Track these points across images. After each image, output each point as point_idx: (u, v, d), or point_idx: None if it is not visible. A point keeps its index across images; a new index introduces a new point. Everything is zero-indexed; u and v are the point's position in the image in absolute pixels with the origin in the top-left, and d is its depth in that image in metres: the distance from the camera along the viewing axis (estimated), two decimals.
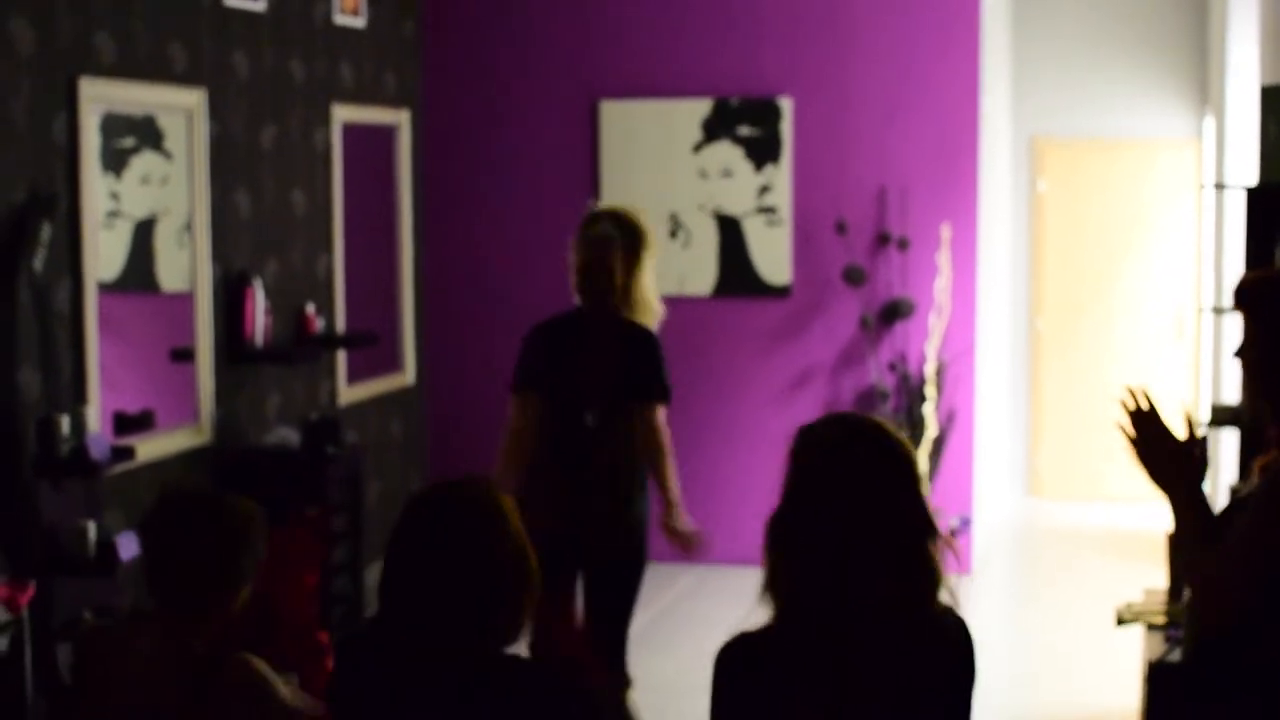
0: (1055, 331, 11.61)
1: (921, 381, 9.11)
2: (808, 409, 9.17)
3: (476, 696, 2.94)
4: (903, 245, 9.17)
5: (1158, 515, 9.82)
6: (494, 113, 9.61)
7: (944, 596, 2.95)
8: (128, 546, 6.06)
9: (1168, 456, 3.29)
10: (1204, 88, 11.09)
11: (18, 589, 5.62)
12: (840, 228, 9.19)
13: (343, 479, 7.70)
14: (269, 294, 7.77)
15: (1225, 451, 8.71)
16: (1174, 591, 5.28)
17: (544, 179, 9.57)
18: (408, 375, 9.41)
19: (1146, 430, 3.30)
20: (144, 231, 7.00)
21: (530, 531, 3.05)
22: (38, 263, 6.07)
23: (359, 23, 8.74)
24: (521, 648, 3.14)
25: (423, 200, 9.57)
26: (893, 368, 9.22)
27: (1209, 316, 10.04)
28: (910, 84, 9.18)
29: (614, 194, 9.27)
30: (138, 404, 6.87)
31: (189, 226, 7.23)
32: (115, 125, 6.73)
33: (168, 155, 7.12)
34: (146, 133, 6.99)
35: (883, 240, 9.22)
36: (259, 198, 7.80)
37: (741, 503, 8.99)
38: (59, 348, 6.27)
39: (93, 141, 6.50)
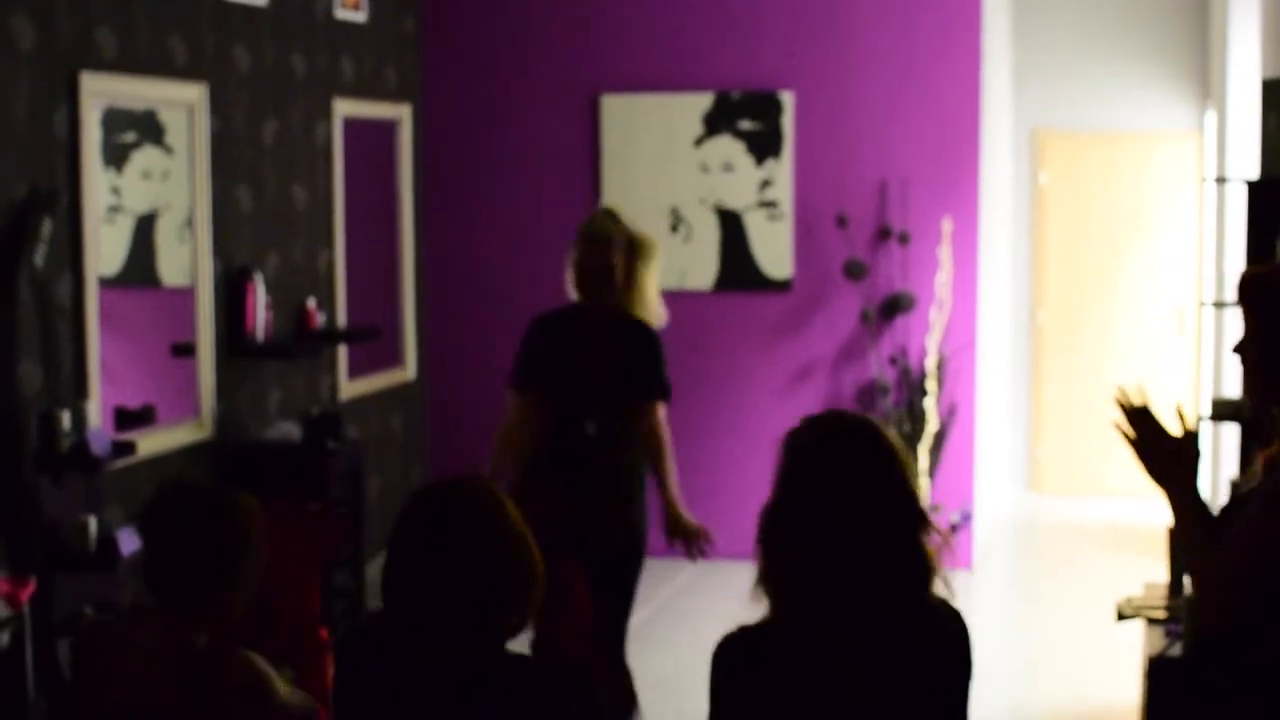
0: (1056, 325, 11.60)
1: (922, 376, 9.11)
2: (809, 403, 9.17)
3: (476, 696, 2.94)
4: (904, 239, 9.16)
5: (1158, 510, 9.83)
6: (495, 107, 9.61)
7: (940, 590, 2.96)
8: (128, 542, 6.06)
9: (1164, 454, 3.29)
10: (1205, 81, 11.08)
11: (18, 584, 5.63)
12: (841, 221, 9.19)
13: (344, 474, 7.71)
14: (270, 289, 7.77)
15: (1227, 446, 8.71)
16: (1174, 586, 5.28)
17: (545, 173, 9.57)
18: (409, 370, 9.41)
19: (1142, 428, 3.30)
20: (145, 226, 7.00)
21: (532, 529, 3.05)
22: (39, 258, 6.07)
23: (360, 17, 8.73)
24: (521, 646, 3.13)
25: (423, 194, 9.57)
26: (893, 362, 9.22)
27: (1210, 310, 10.04)
28: (911, 77, 9.18)
29: (615, 188, 9.28)
30: (139, 399, 6.87)
31: (190, 221, 7.23)
32: (116, 120, 6.72)
33: (169, 150, 7.12)
34: (147, 127, 6.99)
35: (884, 234, 9.22)
36: (260, 192, 7.80)
37: (742, 497, 8.98)
38: (60, 343, 6.27)
39: (94, 136, 6.50)
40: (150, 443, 6.78)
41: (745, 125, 9.32)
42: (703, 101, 9.35)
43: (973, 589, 9.00)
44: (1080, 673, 7.56)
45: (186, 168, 7.19)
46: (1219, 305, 8.59)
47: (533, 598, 2.99)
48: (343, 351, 8.60)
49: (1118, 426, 3.34)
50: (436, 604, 2.93)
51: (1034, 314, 11.62)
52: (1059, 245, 11.56)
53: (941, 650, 2.92)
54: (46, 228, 6.09)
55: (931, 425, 9.03)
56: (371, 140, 8.98)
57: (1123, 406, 3.32)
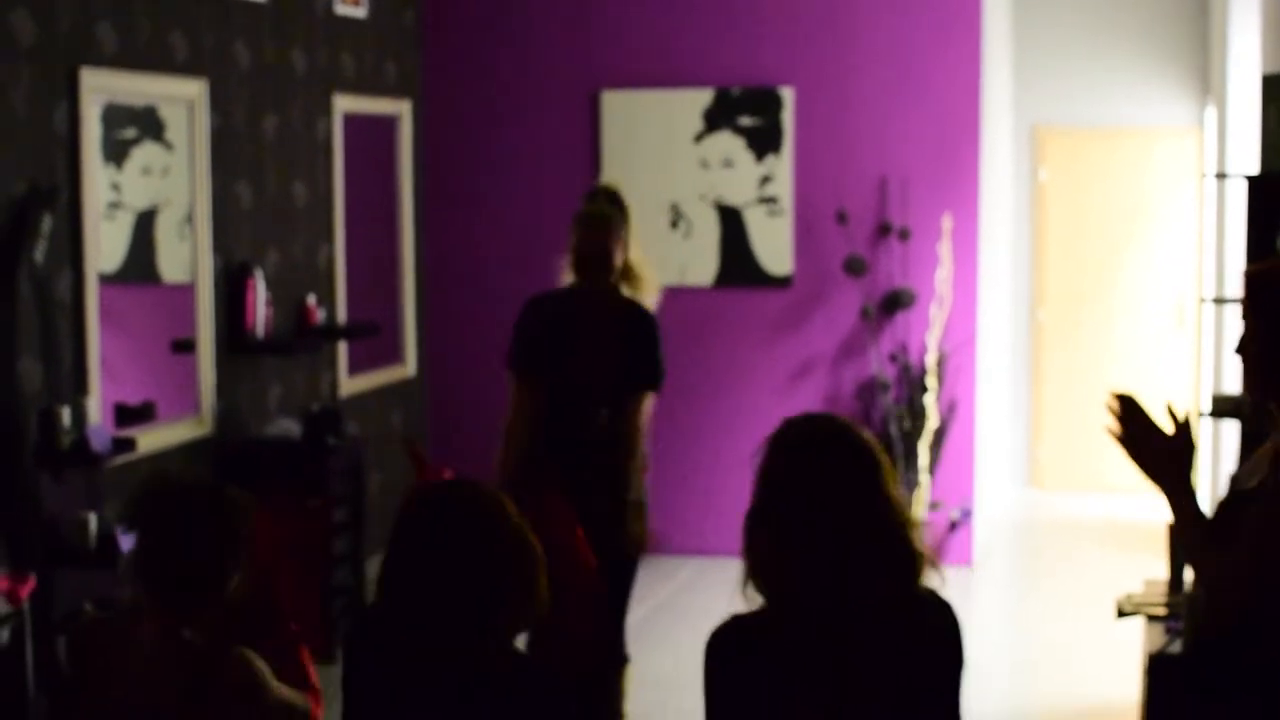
0: (1056, 322, 11.60)
1: (922, 372, 9.10)
2: (809, 399, 9.17)
3: (476, 696, 2.94)
4: (904, 235, 9.16)
5: (1158, 506, 9.82)
6: (495, 102, 9.60)
7: (932, 581, 2.98)
8: (129, 538, 6.05)
9: (1156, 451, 3.29)
10: (1205, 76, 11.08)
11: (18, 581, 5.62)
12: (841, 218, 9.19)
13: (344, 470, 7.70)
14: (270, 285, 7.77)
15: (1227, 442, 8.71)
16: (1174, 583, 5.28)
17: (545, 169, 9.56)
18: (409, 366, 9.41)
19: (1135, 428, 3.30)
20: (145, 222, 7.00)
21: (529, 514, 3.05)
22: (39, 254, 6.06)
23: (360, 13, 8.73)
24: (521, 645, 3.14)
25: (424, 190, 9.57)
26: (894, 358, 9.21)
27: (1210, 306, 10.04)
28: (912, 74, 9.17)
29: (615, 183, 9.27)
30: (139, 395, 6.87)
31: (190, 217, 7.23)
32: (116, 116, 6.72)
33: (169, 146, 7.12)
34: (147, 123, 6.99)
35: (884, 230, 9.21)
36: (260, 188, 7.79)
37: (741, 494, 8.94)
38: (60, 339, 6.27)
39: (94, 132, 6.50)
40: (150, 439, 6.78)
41: (745, 121, 9.32)
42: (703, 97, 9.34)
43: (973, 586, 9.00)
44: (1080, 669, 7.56)
45: (186, 164, 7.19)
46: (1219, 301, 8.58)
47: (535, 598, 2.98)
48: (343, 348, 8.59)
49: (1109, 429, 3.34)
50: (436, 604, 2.93)
51: (1034, 310, 11.61)
52: (1059, 241, 11.55)
53: (932, 642, 2.94)
54: (46, 224, 6.09)
55: (932, 422, 9.03)
56: (371, 136, 8.97)
57: (1114, 410, 3.32)
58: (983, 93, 9.21)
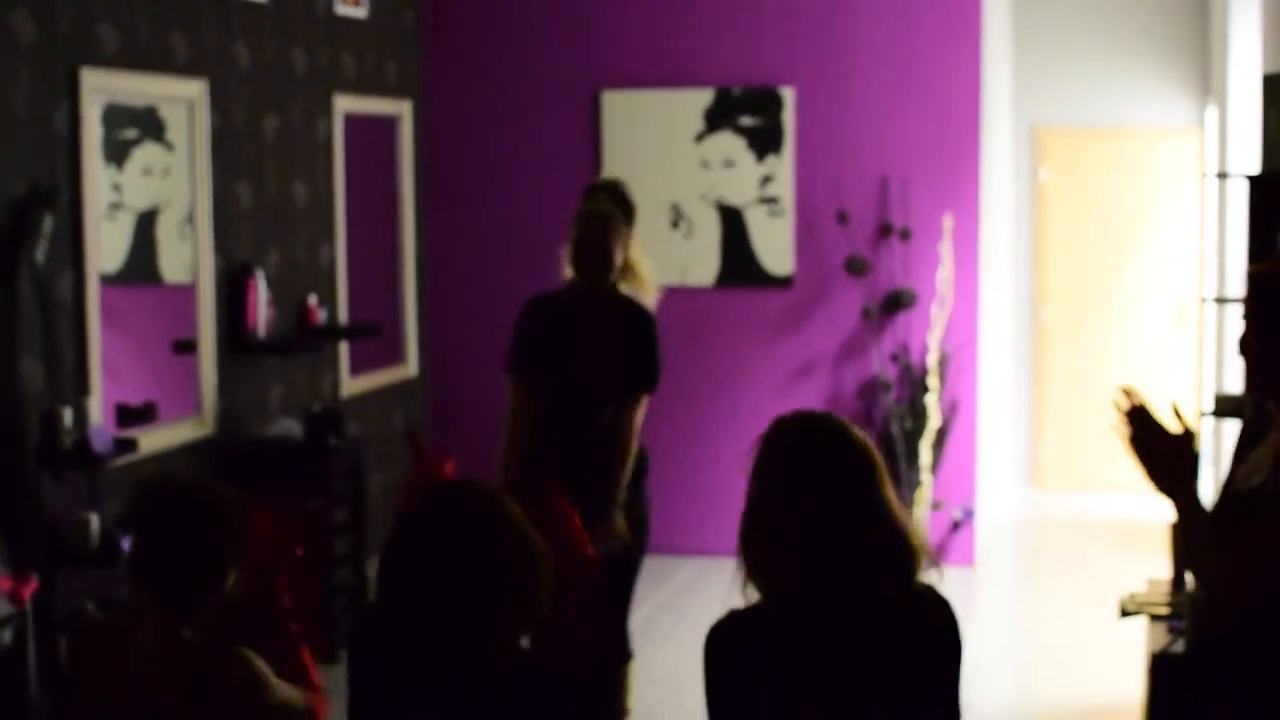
0: (1058, 321, 11.60)
1: (924, 372, 9.10)
2: (810, 400, 9.16)
3: (476, 696, 2.94)
4: (905, 235, 9.16)
5: (1160, 506, 9.82)
6: (496, 103, 9.60)
7: (929, 577, 2.99)
8: (128, 539, 6.05)
9: (1161, 454, 3.28)
10: (1206, 76, 11.08)
11: (20, 582, 5.62)
12: (842, 218, 9.18)
13: (345, 470, 7.70)
14: (271, 285, 7.76)
15: (1229, 442, 8.70)
16: (1177, 582, 5.28)
17: (546, 169, 9.56)
18: (410, 367, 9.41)
19: (1141, 428, 3.29)
20: (146, 223, 7.00)
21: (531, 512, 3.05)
22: (39, 254, 6.06)
23: (360, 13, 8.73)
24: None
25: (424, 190, 9.57)
26: (895, 358, 9.21)
27: (1211, 306, 10.04)
28: (912, 74, 9.17)
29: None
30: (140, 396, 6.87)
31: (191, 218, 7.23)
32: (117, 116, 6.72)
33: (169, 146, 7.12)
34: (148, 124, 6.99)
35: (885, 230, 9.21)
36: (261, 189, 7.79)
37: (742, 494, 8.96)
38: (61, 339, 6.27)
39: (94, 132, 6.50)
40: (152, 440, 6.78)
41: (746, 121, 9.32)
42: (704, 97, 9.34)
43: (975, 586, 8.99)
44: (1083, 669, 7.56)
45: (187, 164, 7.19)
46: (1220, 301, 8.58)
47: (536, 597, 2.98)
48: (344, 348, 8.59)
49: (1117, 429, 3.33)
50: (435, 604, 2.92)
51: (1035, 310, 11.61)
52: (1060, 242, 11.55)
53: (930, 638, 2.95)
54: (47, 224, 6.09)
55: (933, 422, 9.03)
56: (372, 136, 8.97)
57: (1121, 408, 3.31)
58: (983, 92, 9.21)
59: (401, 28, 9.30)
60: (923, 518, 9.03)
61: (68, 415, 6.12)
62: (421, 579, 2.93)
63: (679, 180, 9.37)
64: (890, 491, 2.94)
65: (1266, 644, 3.25)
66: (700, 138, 9.36)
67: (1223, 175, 7.69)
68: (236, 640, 3.41)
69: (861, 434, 2.98)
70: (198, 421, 7.24)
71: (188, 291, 7.25)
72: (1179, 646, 4.74)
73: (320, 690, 3.82)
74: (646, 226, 6.09)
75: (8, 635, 5.53)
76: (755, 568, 2.94)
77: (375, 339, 8.81)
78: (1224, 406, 7.05)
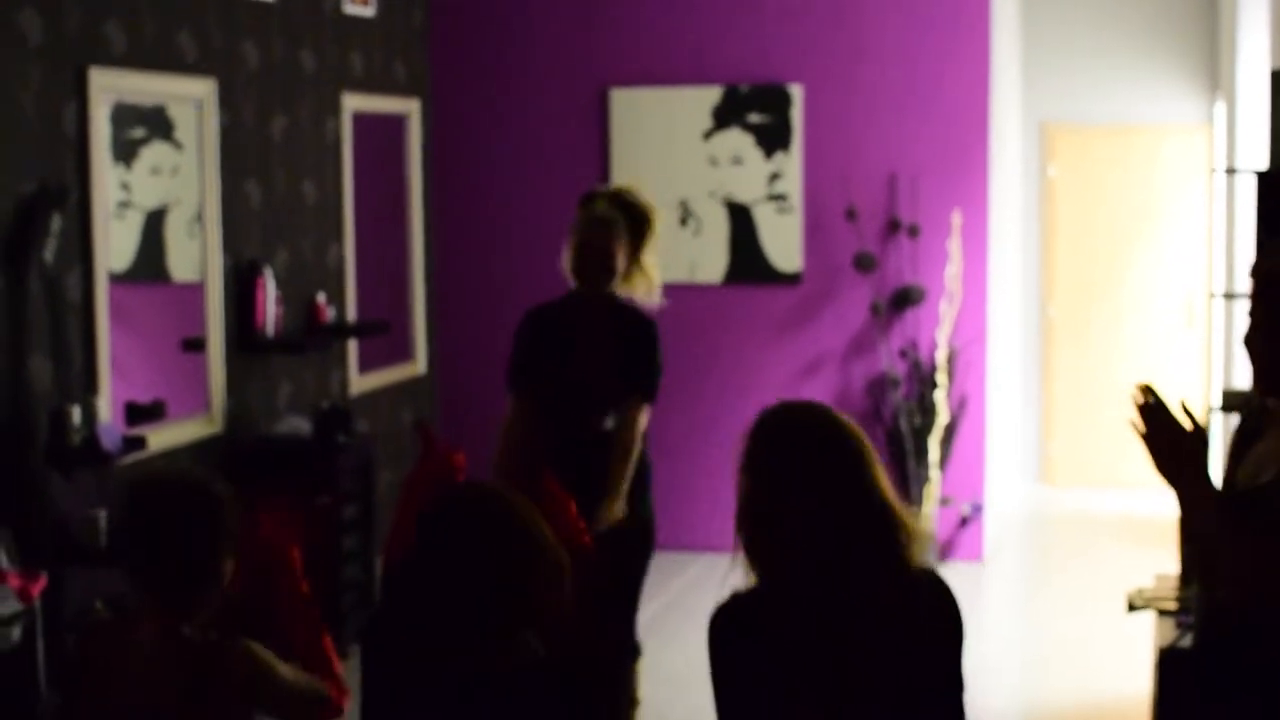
0: (1066, 318, 11.59)
1: (933, 368, 9.10)
2: (818, 396, 9.14)
3: (476, 696, 2.95)
4: (913, 232, 9.16)
5: (1169, 501, 9.82)
6: (504, 101, 9.61)
7: (926, 559, 3.01)
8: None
9: (1173, 448, 3.27)
10: (1214, 72, 11.06)
11: (29, 579, 5.63)
12: (851, 215, 9.18)
13: (354, 468, 7.71)
14: (280, 283, 7.78)
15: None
16: (1185, 577, 5.28)
17: (554, 167, 9.57)
18: (419, 364, 9.42)
19: (1156, 424, 3.28)
20: (155, 222, 7.01)
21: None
22: (48, 253, 6.08)
23: (368, 12, 8.74)
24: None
25: (433, 188, 9.58)
26: (904, 355, 9.21)
27: (1220, 302, 10.03)
28: (921, 70, 9.17)
29: (624, 181, 9.25)
30: (149, 394, 6.88)
31: (200, 216, 7.24)
32: (125, 115, 6.73)
33: (178, 145, 7.13)
34: (157, 123, 7.00)
35: (893, 227, 9.21)
36: (269, 187, 7.81)
37: None
38: (70, 338, 6.28)
39: (103, 132, 6.51)
40: (160, 437, 6.79)
41: (754, 118, 9.32)
42: (711, 95, 9.34)
43: (984, 581, 9.00)
44: (1091, 664, 7.56)
45: (196, 163, 7.20)
46: (1229, 297, 8.56)
47: (541, 597, 2.98)
48: (353, 346, 8.60)
49: (1134, 424, 3.32)
50: (438, 605, 2.93)
51: (1044, 306, 11.61)
52: (1069, 238, 11.54)
53: (931, 620, 2.96)
54: (56, 223, 6.10)
55: (942, 418, 9.02)
56: (380, 135, 8.98)
57: (1137, 403, 3.30)
58: (992, 89, 9.20)
59: (409, 27, 9.31)
60: (931, 513, 9.03)
61: (77, 413, 6.13)
62: (425, 580, 2.94)
63: (687, 177, 9.38)
64: (882, 476, 2.95)
65: (1271, 641, 3.25)
66: (709, 135, 9.36)
67: (1231, 171, 7.68)
68: (245, 633, 3.42)
69: (849, 420, 2.99)
70: (206, 419, 7.25)
71: (196, 290, 7.27)
72: (1187, 642, 4.74)
73: (341, 679, 3.84)
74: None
75: (17, 633, 5.54)
76: (754, 559, 2.95)
77: (384, 337, 8.83)
78: (1232, 402, 7.04)
